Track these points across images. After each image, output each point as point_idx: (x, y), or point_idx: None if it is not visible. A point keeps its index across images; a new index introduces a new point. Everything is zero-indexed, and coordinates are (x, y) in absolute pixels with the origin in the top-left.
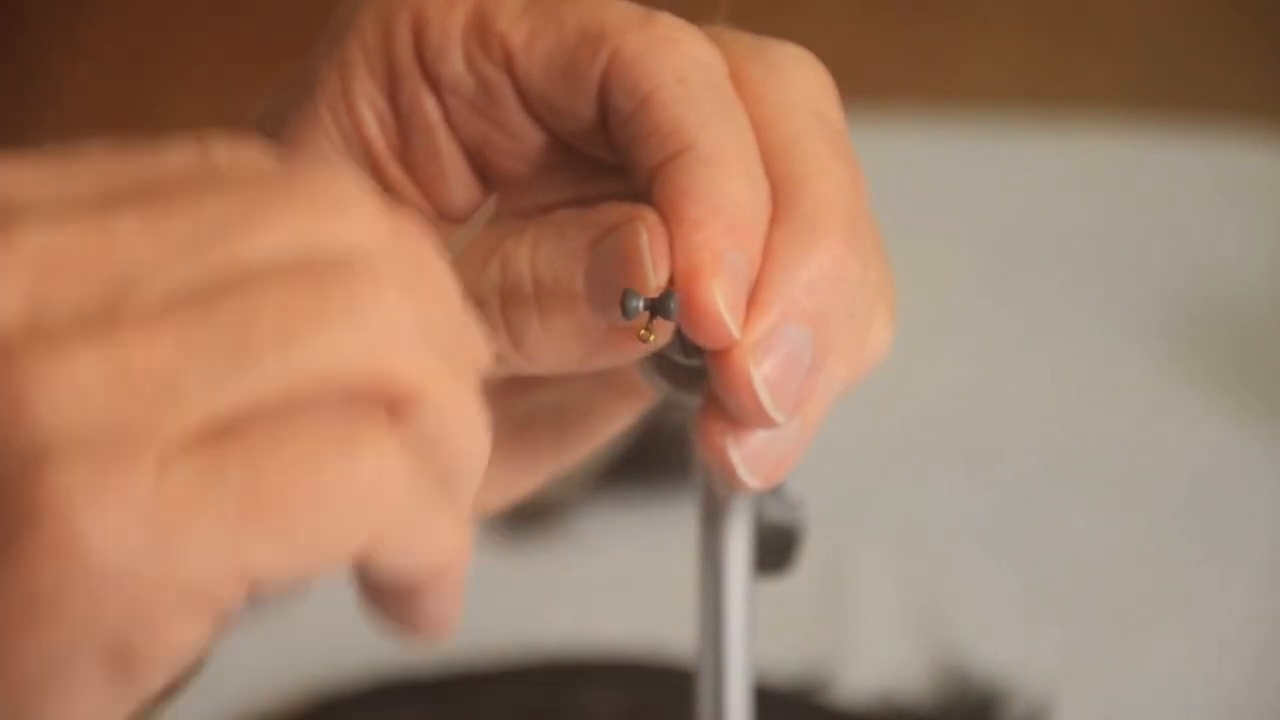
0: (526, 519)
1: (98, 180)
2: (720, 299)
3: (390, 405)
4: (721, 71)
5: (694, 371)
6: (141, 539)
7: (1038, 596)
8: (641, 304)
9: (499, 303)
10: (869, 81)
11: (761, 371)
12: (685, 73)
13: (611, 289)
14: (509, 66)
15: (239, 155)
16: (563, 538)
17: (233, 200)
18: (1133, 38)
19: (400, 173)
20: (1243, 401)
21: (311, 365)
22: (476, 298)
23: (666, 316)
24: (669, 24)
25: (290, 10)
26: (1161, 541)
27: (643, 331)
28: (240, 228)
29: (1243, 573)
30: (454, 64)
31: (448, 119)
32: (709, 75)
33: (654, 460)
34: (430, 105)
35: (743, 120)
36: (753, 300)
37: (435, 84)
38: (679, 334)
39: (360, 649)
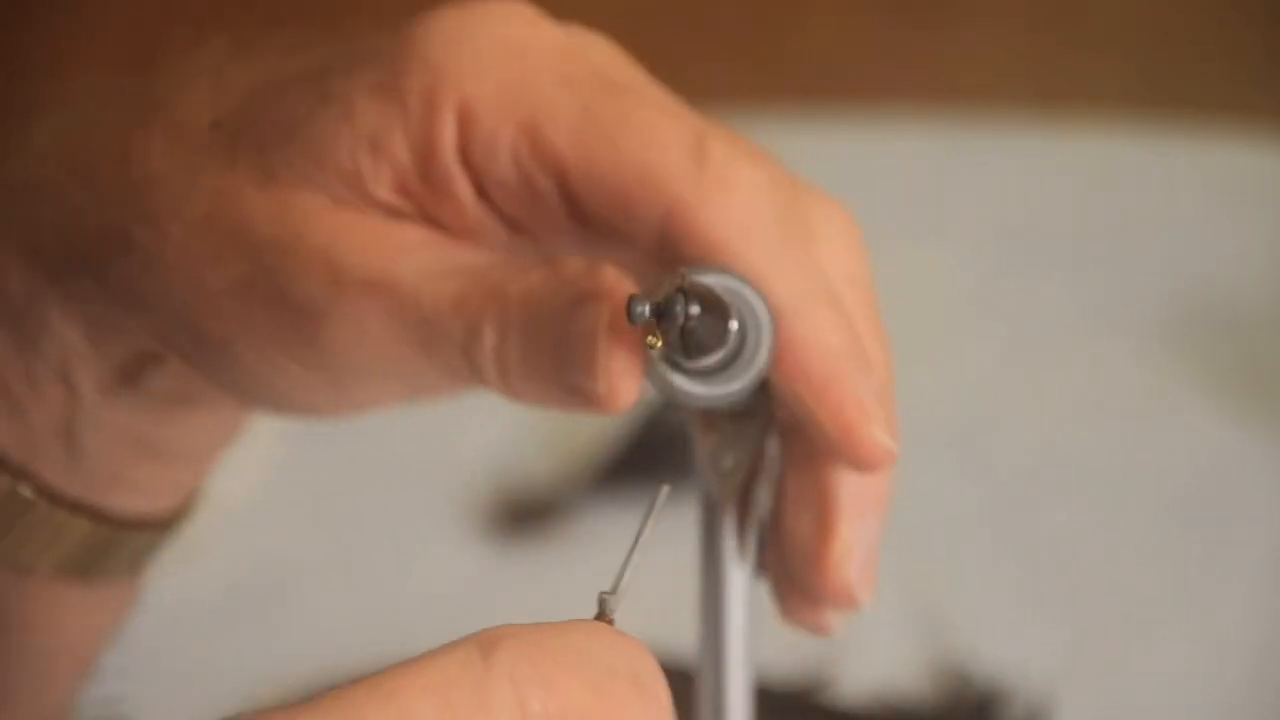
0: (526, 519)
1: None
2: (885, 440)
3: None
4: (783, 202)
5: (698, 371)
6: None
7: (1038, 597)
8: (647, 309)
9: (494, 340)
10: (869, 81)
11: (855, 575)
12: (748, 224)
13: (577, 358)
14: (561, 182)
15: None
16: (563, 538)
17: None
18: (1133, 38)
19: (415, 211)
20: (1243, 402)
21: None
22: (475, 331)
23: (672, 321)
24: (722, 159)
25: (298, 9)
26: (1161, 542)
27: (650, 338)
28: None
29: (1243, 573)
30: (502, 165)
31: (481, 196)
32: (771, 215)
33: (654, 460)
34: (463, 187)
35: (812, 261)
36: (828, 515)
37: (476, 175)
38: (683, 334)
39: (360, 649)
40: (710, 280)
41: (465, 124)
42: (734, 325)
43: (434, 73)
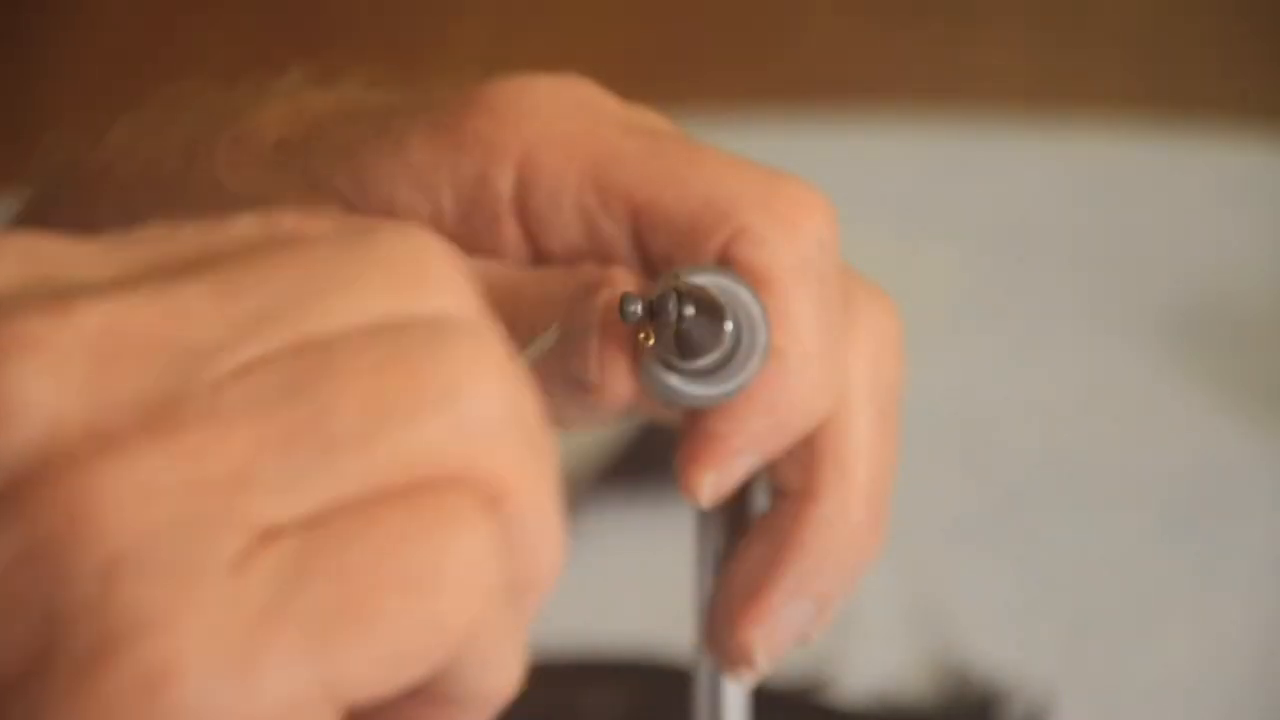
0: None
1: (158, 253)
2: (706, 489)
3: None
4: (834, 256)
5: (694, 372)
6: (225, 665)
7: (1037, 596)
8: (639, 308)
9: (503, 333)
10: (869, 81)
11: (761, 641)
12: (803, 265)
13: (576, 346)
14: (631, 221)
15: (309, 223)
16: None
17: (307, 269)
18: (1133, 38)
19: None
20: (1243, 402)
21: (400, 458)
22: None
23: (665, 320)
24: (793, 197)
25: (298, 11)
26: (1161, 541)
27: (640, 336)
28: (316, 299)
29: (1242, 573)
30: (564, 212)
31: (529, 240)
32: (824, 266)
33: (654, 460)
34: (511, 234)
35: (841, 324)
36: (773, 573)
37: (532, 223)
38: (678, 337)
39: None
40: (705, 280)
41: (526, 171)
42: (729, 326)
43: (498, 119)
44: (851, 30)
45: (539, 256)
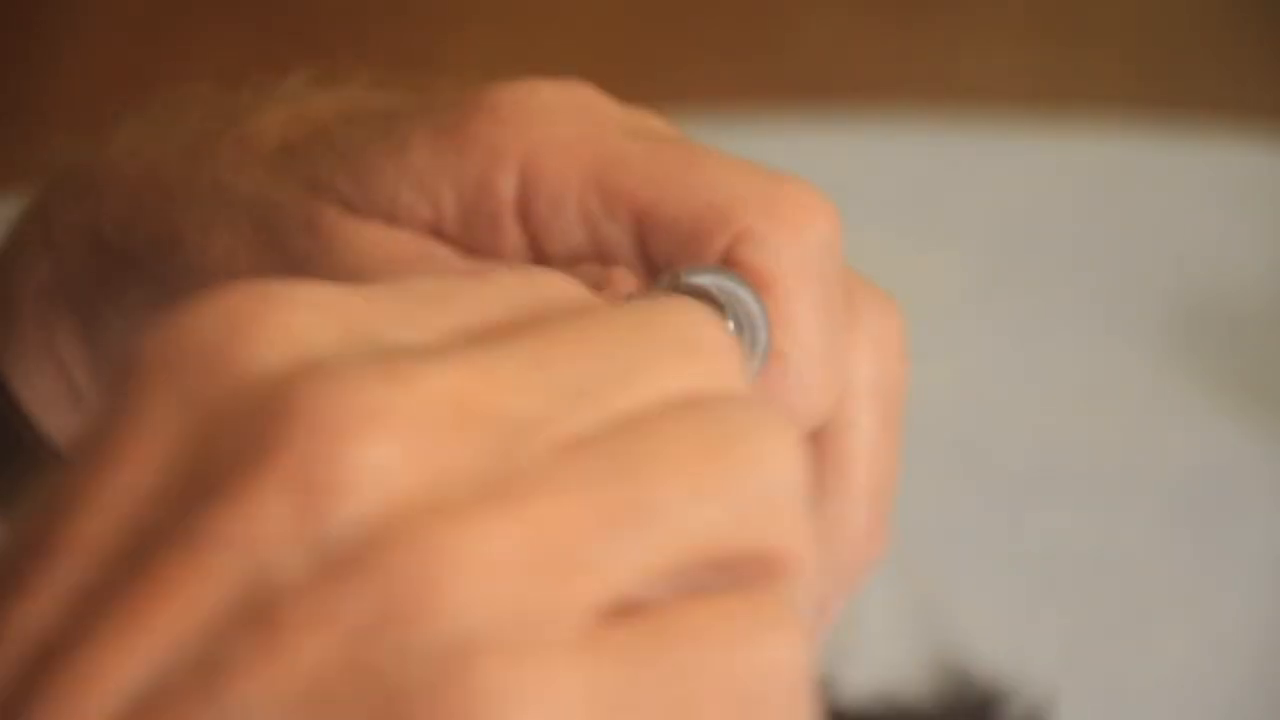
0: None
1: (461, 313)
2: None
3: (756, 576)
4: (837, 259)
5: None
6: None
7: (1037, 596)
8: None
9: None
10: (868, 81)
11: None
12: (805, 266)
13: None
14: (634, 224)
15: (573, 287)
16: None
17: (609, 345)
18: (1133, 38)
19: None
20: (1242, 401)
21: (708, 534)
22: None
23: None
24: (796, 200)
25: (302, 15)
26: (1161, 541)
27: None
28: (623, 377)
29: (1242, 572)
30: (567, 215)
31: (532, 246)
32: (826, 269)
33: None
34: (514, 237)
35: (843, 326)
36: None
37: (535, 228)
38: None
39: None
40: (705, 281)
41: (528, 174)
42: (730, 326)
43: (500, 123)
44: (851, 30)
45: (541, 259)
